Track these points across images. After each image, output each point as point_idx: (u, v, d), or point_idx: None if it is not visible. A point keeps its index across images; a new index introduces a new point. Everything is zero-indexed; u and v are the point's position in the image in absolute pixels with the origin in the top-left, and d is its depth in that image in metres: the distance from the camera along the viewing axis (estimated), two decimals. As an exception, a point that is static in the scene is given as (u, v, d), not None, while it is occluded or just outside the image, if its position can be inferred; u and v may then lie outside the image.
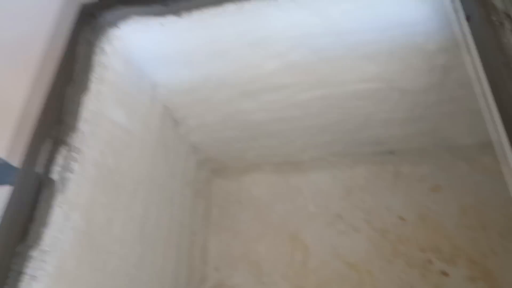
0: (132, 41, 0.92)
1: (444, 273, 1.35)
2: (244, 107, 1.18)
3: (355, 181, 1.59)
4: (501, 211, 1.43)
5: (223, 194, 1.65)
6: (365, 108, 1.21)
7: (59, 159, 0.71)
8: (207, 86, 1.07)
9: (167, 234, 1.09)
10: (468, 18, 0.76)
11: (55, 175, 0.70)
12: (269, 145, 1.43)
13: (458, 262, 1.37)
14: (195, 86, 1.06)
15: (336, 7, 0.85)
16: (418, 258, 1.41)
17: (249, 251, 1.55)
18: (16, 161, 0.71)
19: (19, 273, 0.61)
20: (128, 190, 0.89)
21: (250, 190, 1.64)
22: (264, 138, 1.37)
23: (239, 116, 1.22)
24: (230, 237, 1.60)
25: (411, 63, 1.02)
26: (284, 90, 1.11)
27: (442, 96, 1.15)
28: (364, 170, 1.58)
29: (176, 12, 0.88)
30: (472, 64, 0.95)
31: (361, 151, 1.50)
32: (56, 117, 0.74)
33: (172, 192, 1.15)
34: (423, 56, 0.99)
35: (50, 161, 0.70)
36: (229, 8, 0.86)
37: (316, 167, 1.59)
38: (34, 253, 0.63)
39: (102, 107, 0.82)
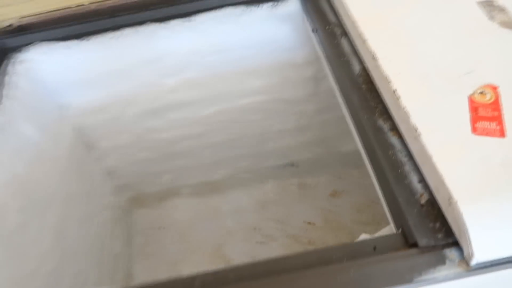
0: (37, 63, 1.02)
1: (348, 262, 1.51)
2: (152, 126, 1.30)
3: (266, 196, 1.75)
4: (391, 206, 1.66)
5: (146, 222, 1.69)
6: (260, 121, 1.40)
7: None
8: (116, 105, 1.18)
9: (87, 248, 1.13)
10: (314, 30, 0.99)
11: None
12: (182, 166, 1.54)
13: (360, 252, 1.54)
14: (104, 106, 1.17)
15: (217, 28, 1.04)
16: (326, 255, 1.56)
17: (175, 273, 1.58)
18: None
19: None
20: (41, 198, 0.94)
21: (172, 215, 1.70)
22: (176, 158, 1.49)
23: (149, 135, 1.33)
24: (155, 262, 1.63)
25: (287, 76, 1.24)
26: (186, 107, 1.27)
27: (319, 105, 1.38)
28: (273, 185, 1.75)
29: (79, 36, 1.01)
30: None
31: (267, 165, 1.67)
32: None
33: (90, 212, 1.20)
34: (295, 69, 1.22)
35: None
36: (127, 32, 1.01)
37: (231, 185, 1.72)
38: None
39: (11, 118, 0.90)
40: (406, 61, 0.73)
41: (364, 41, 0.79)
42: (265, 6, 1.05)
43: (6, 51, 0.99)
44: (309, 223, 1.68)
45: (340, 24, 0.92)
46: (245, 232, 1.68)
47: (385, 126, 0.75)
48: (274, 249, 1.62)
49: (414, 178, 0.68)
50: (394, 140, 0.73)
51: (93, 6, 1.05)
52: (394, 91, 0.70)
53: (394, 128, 0.74)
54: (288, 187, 1.75)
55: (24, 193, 0.90)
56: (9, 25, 1.02)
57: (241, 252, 1.63)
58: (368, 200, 1.69)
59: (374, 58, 0.75)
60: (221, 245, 1.66)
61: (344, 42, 0.89)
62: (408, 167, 0.69)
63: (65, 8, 1.03)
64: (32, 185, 0.93)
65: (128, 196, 1.62)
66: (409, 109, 0.67)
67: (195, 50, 1.08)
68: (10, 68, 0.95)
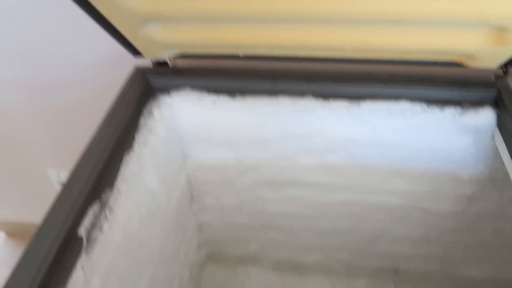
0: (180, 110, 0.92)
1: None
2: (264, 196, 1.16)
3: (352, 294, 1.52)
4: None
5: (215, 283, 1.53)
6: (383, 222, 1.20)
7: (90, 215, 0.66)
8: (237, 168, 1.05)
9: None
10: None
11: (82, 231, 0.64)
12: (275, 239, 1.37)
13: None
14: (225, 166, 1.05)
15: (386, 122, 0.88)
16: None
17: None
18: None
19: None
20: (141, 263, 0.82)
21: (243, 283, 1.53)
22: (273, 231, 1.33)
23: (256, 204, 1.19)
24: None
25: (439, 188, 1.04)
26: (309, 187, 1.11)
27: (460, 224, 1.16)
28: (364, 284, 1.51)
29: (231, 93, 0.90)
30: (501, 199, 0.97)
31: (366, 263, 1.45)
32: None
33: (173, 273, 1.06)
34: (453, 184, 1.02)
35: (79, 215, 0.65)
36: (284, 101, 0.89)
37: (316, 271, 1.52)
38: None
39: (141, 169, 0.79)
40: None
41: None
42: (448, 112, 0.88)
43: (154, 91, 0.91)
44: None
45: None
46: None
47: None
48: None
49: None
50: None
51: (252, 65, 0.95)
52: None
53: None
54: (379, 292, 1.51)
55: (129, 257, 0.77)
56: (164, 62, 0.94)
57: None
58: None
59: None
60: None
61: None
62: None
63: (219, 57, 0.92)
64: (138, 246, 0.81)
65: (206, 253, 1.48)
66: None
67: (353, 138, 0.93)
68: (156, 111, 0.86)
